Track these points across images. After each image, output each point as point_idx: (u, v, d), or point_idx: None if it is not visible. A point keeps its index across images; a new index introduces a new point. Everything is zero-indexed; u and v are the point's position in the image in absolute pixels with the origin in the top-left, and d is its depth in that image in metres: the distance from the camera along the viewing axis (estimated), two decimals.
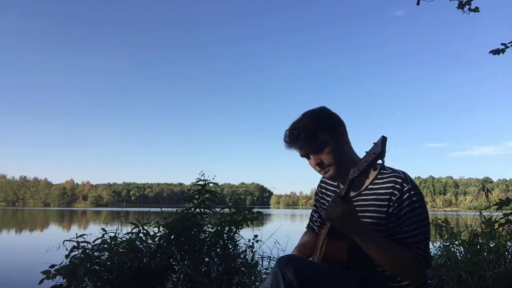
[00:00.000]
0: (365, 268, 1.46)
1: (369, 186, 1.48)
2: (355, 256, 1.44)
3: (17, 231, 19.17)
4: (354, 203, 1.44)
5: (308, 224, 1.89)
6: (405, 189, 1.41)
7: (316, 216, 1.83)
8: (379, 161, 1.46)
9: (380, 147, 1.24)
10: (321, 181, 1.77)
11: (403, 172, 1.47)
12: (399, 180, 1.43)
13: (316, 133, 1.47)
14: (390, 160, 1.57)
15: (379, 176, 1.48)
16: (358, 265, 1.45)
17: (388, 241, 1.38)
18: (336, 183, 1.65)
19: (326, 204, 1.68)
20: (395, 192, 1.42)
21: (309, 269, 1.37)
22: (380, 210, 1.43)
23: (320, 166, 1.50)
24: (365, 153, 1.30)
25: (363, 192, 1.49)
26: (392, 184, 1.43)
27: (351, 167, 1.40)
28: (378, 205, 1.44)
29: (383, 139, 1.25)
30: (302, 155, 1.54)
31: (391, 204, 1.42)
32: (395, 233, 1.40)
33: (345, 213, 1.33)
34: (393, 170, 1.48)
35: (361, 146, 1.49)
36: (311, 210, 1.89)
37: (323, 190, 1.75)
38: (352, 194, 1.47)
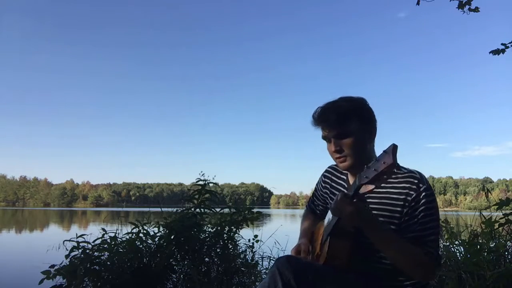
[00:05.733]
0: (366, 268, 1.46)
1: (383, 184, 1.46)
2: (357, 256, 1.44)
3: (17, 231, 19.19)
4: (367, 200, 1.42)
5: (309, 205, 1.89)
6: (421, 189, 1.41)
7: (318, 203, 1.83)
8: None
9: (391, 158, 1.13)
10: (328, 171, 1.75)
11: (419, 172, 1.47)
12: (415, 181, 1.42)
13: (347, 119, 1.45)
14: None
15: (393, 176, 1.47)
16: (359, 265, 1.45)
17: (399, 237, 1.37)
18: (344, 176, 1.64)
19: (330, 194, 1.69)
20: (411, 192, 1.41)
21: (307, 269, 1.37)
22: (394, 210, 1.43)
23: (338, 152, 1.48)
24: (374, 160, 1.21)
25: (375, 190, 1.46)
26: (408, 185, 1.42)
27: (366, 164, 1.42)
28: (392, 204, 1.43)
29: (394, 148, 1.14)
30: (324, 137, 1.51)
31: (407, 204, 1.41)
32: (408, 232, 1.39)
33: (354, 212, 1.31)
34: (409, 170, 1.48)
35: None
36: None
37: (328, 180, 1.73)
38: (364, 190, 1.41)
